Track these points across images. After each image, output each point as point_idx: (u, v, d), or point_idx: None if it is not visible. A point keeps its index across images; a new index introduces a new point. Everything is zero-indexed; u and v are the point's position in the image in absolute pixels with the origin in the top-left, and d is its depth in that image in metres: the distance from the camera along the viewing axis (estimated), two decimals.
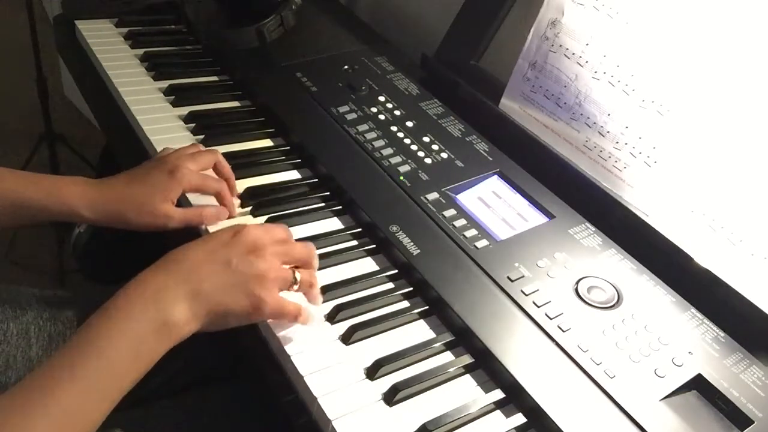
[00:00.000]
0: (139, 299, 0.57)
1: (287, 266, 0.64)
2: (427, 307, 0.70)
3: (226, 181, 0.79)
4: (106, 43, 1.05)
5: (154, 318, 0.56)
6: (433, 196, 0.80)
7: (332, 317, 0.67)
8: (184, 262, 0.60)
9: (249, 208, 0.79)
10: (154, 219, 0.72)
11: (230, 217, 0.77)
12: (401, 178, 0.82)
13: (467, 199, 0.81)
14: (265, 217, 0.77)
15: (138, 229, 0.73)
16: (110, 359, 0.54)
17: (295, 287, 0.64)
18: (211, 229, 0.75)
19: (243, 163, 0.84)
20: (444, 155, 0.87)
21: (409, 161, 0.85)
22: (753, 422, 0.61)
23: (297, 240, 0.74)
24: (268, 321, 0.65)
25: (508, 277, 0.71)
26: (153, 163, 0.76)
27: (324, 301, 0.68)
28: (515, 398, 0.62)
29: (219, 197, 0.77)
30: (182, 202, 0.79)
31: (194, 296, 0.58)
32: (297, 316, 0.63)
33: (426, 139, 0.89)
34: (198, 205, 0.77)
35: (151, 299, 0.57)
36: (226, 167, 0.79)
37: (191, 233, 0.75)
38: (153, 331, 0.56)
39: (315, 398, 0.59)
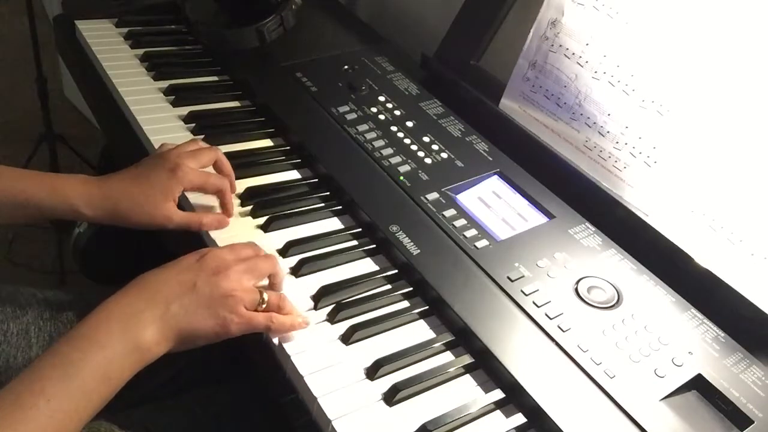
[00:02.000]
0: (107, 325, 0.57)
1: (256, 287, 0.64)
2: (427, 307, 0.70)
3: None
4: (106, 43, 1.05)
5: (122, 342, 0.57)
6: (433, 196, 0.80)
7: (332, 317, 0.67)
8: (151, 287, 0.61)
9: (249, 208, 0.79)
10: (153, 219, 0.72)
11: (228, 215, 0.77)
12: (401, 178, 0.82)
13: (467, 199, 0.81)
14: (265, 218, 0.77)
15: (137, 228, 0.73)
16: (81, 383, 0.54)
17: (263, 306, 0.63)
18: (213, 234, 0.74)
19: (243, 163, 0.84)
20: (444, 155, 0.87)
21: (409, 161, 0.85)
22: (753, 422, 0.61)
23: (294, 240, 0.74)
24: None
25: (508, 277, 0.71)
26: (153, 161, 0.75)
27: (324, 302, 0.68)
28: (515, 398, 0.62)
29: (220, 195, 0.76)
30: (181, 199, 0.79)
31: (161, 319, 0.59)
32: (268, 325, 0.63)
33: (426, 139, 0.89)
34: (199, 204, 0.77)
35: (118, 324, 0.58)
36: (227, 165, 0.79)
37: (190, 234, 0.75)
38: (122, 354, 0.57)
39: (315, 398, 0.59)
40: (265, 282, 0.68)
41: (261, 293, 0.63)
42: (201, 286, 0.61)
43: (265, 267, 0.66)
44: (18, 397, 0.52)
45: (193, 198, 0.78)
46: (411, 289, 0.71)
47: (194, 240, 0.75)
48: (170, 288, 0.61)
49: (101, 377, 0.55)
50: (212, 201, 0.78)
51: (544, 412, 0.59)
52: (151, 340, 0.58)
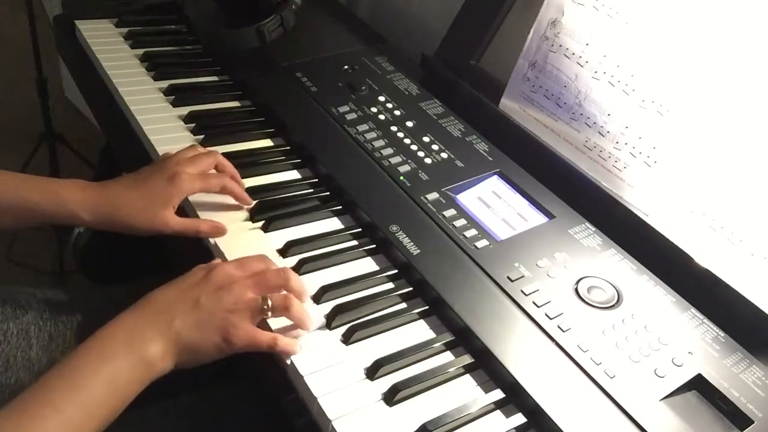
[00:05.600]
0: (113, 339, 0.58)
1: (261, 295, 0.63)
2: (427, 307, 0.70)
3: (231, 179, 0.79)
4: (106, 43, 1.05)
5: (128, 355, 0.58)
6: (433, 196, 0.80)
7: (332, 317, 0.67)
8: (156, 304, 0.61)
9: (249, 208, 0.79)
10: (151, 225, 0.73)
11: (247, 204, 0.78)
12: (401, 178, 0.82)
13: (467, 199, 0.81)
14: (265, 218, 0.77)
15: (135, 234, 0.74)
16: (89, 393, 0.55)
17: (269, 313, 0.63)
18: (217, 241, 0.74)
19: (243, 163, 0.84)
20: (444, 155, 0.87)
21: (409, 161, 0.85)
22: (753, 422, 0.61)
23: (294, 240, 0.74)
24: (269, 322, 0.65)
25: (508, 277, 0.71)
26: (152, 169, 0.76)
27: (324, 301, 0.68)
28: (515, 398, 0.62)
29: (226, 191, 0.77)
30: (184, 204, 0.79)
31: (165, 335, 0.59)
32: (272, 345, 0.61)
33: (426, 139, 0.89)
34: (200, 202, 0.77)
35: (123, 338, 0.58)
36: (228, 166, 0.79)
37: (191, 239, 0.75)
38: (128, 367, 0.57)
39: (315, 398, 0.59)
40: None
41: (264, 298, 0.62)
42: (204, 302, 0.61)
43: (273, 280, 0.64)
44: (27, 407, 0.53)
45: (196, 197, 0.78)
46: (411, 289, 0.71)
47: (195, 241, 0.75)
48: (174, 304, 0.61)
49: (109, 388, 0.56)
50: (215, 199, 0.78)
51: (544, 412, 0.59)
52: (155, 355, 0.59)
